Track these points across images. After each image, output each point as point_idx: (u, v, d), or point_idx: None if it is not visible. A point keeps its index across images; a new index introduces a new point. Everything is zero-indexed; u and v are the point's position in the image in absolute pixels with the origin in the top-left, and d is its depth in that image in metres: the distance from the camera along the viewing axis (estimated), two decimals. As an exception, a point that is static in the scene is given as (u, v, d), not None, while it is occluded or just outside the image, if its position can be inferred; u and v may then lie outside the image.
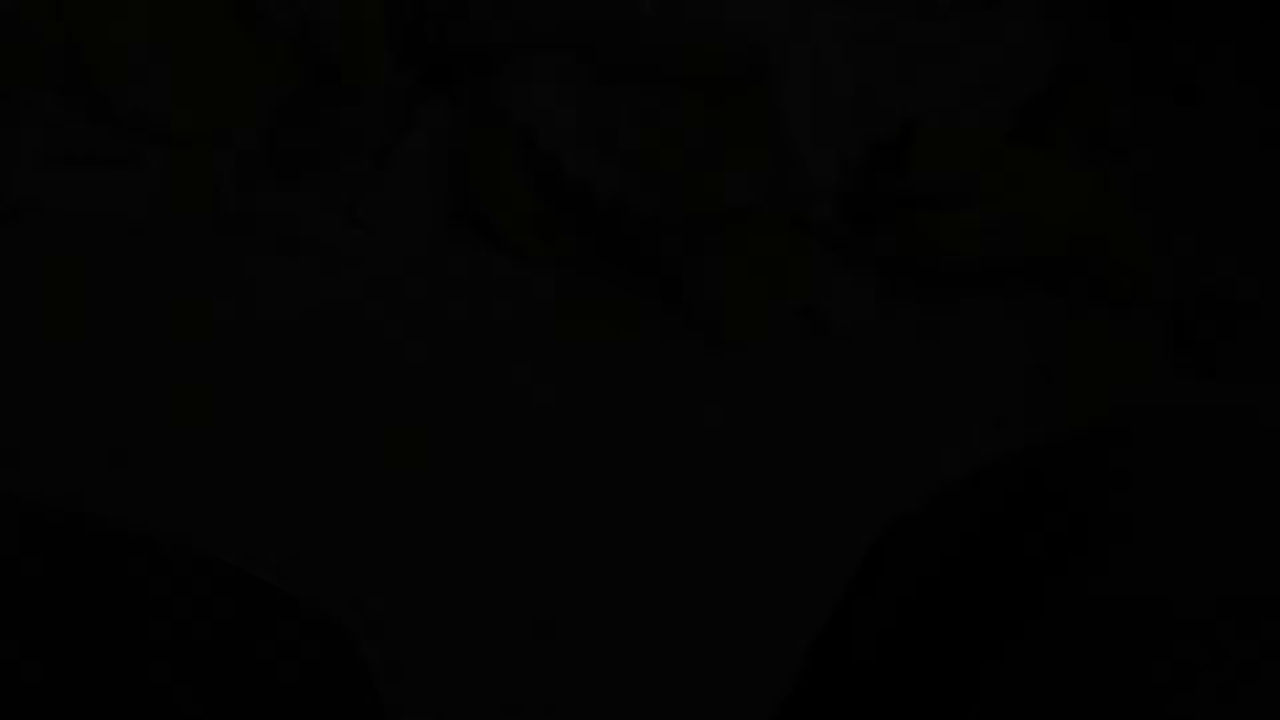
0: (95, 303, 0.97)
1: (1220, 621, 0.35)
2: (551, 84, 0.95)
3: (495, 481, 0.92)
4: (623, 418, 0.94)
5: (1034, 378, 0.98)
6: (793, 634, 0.87)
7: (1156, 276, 0.99)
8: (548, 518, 0.91)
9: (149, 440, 0.93)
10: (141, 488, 0.92)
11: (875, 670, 0.46)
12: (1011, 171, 0.96)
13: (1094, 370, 0.98)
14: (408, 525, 0.91)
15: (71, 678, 0.40)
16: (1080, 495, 0.39)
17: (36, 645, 0.39)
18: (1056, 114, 1.02)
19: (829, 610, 0.52)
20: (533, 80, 0.94)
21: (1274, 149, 1.06)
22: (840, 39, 0.90)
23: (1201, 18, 1.10)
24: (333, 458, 0.93)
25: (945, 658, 0.42)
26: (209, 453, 0.92)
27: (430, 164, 0.99)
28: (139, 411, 0.93)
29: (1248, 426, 0.39)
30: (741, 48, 0.88)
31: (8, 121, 1.03)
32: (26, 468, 0.91)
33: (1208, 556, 0.36)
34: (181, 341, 0.96)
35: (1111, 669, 0.35)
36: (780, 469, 0.93)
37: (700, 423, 0.95)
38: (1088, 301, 1.00)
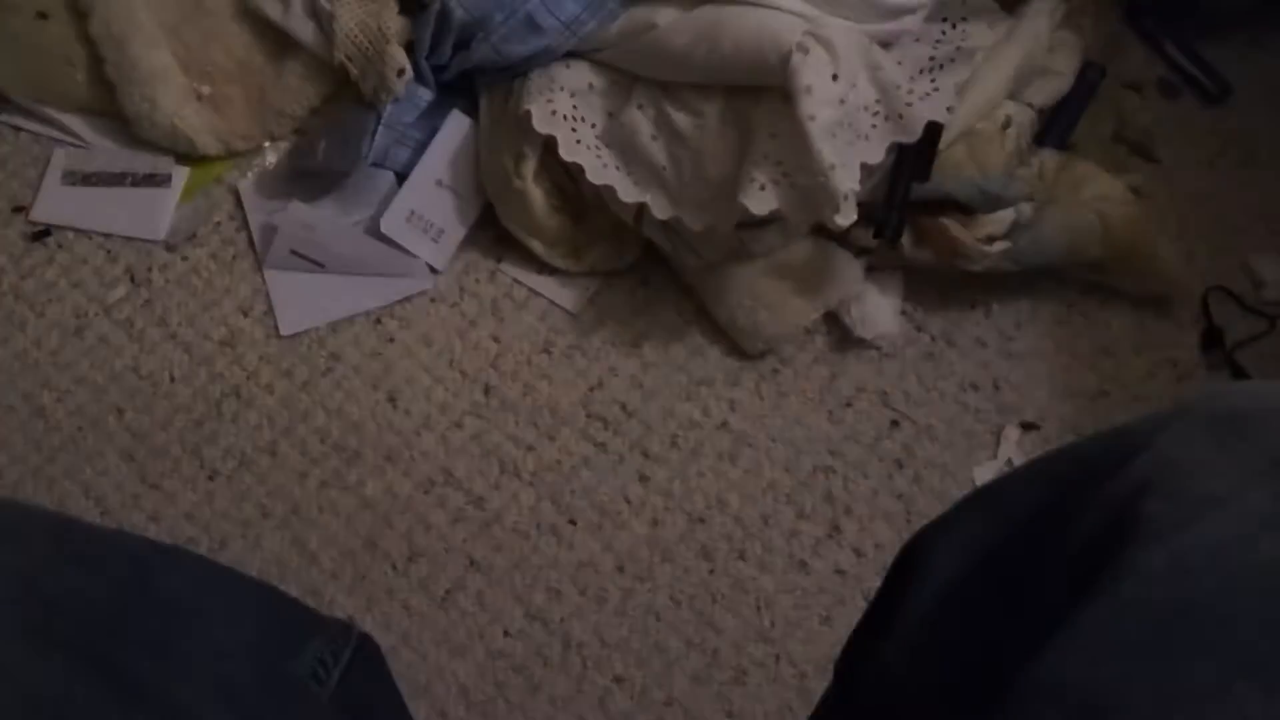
0: (122, 320, 0.98)
1: (1253, 624, 0.34)
2: (571, 94, 0.95)
3: (510, 496, 0.92)
4: (648, 425, 0.94)
5: (1063, 381, 0.97)
6: (823, 647, 0.87)
7: (1186, 278, 0.98)
8: (572, 528, 0.91)
9: (177, 455, 0.93)
10: (167, 503, 0.92)
11: (906, 673, 0.45)
12: (1038, 174, 0.95)
13: (1124, 373, 0.97)
14: (435, 532, 0.91)
15: (100, 693, 0.40)
16: (1113, 499, 0.38)
17: (66, 659, 0.40)
18: (1082, 115, 1.02)
19: (857, 618, 0.52)
20: (553, 91, 0.94)
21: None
22: (861, 44, 0.90)
23: (1227, 17, 1.09)
24: (351, 467, 0.93)
25: (978, 658, 0.41)
26: (236, 466, 0.93)
27: (453, 176, 0.99)
28: (163, 427, 0.94)
29: (1276, 428, 0.38)
30: (762, 56, 0.87)
31: (37, 142, 1.04)
32: (54, 483, 0.92)
33: (1239, 559, 0.36)
34: (208, 356, 0.96)
35: (1150, 671, 0.35)
36: (806, 476, 0.93)
37: (727, 431, 0.94)
38: (1117, 304, 0.99)
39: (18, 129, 1.04)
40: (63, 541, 0.43)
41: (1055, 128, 1.00)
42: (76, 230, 1.01)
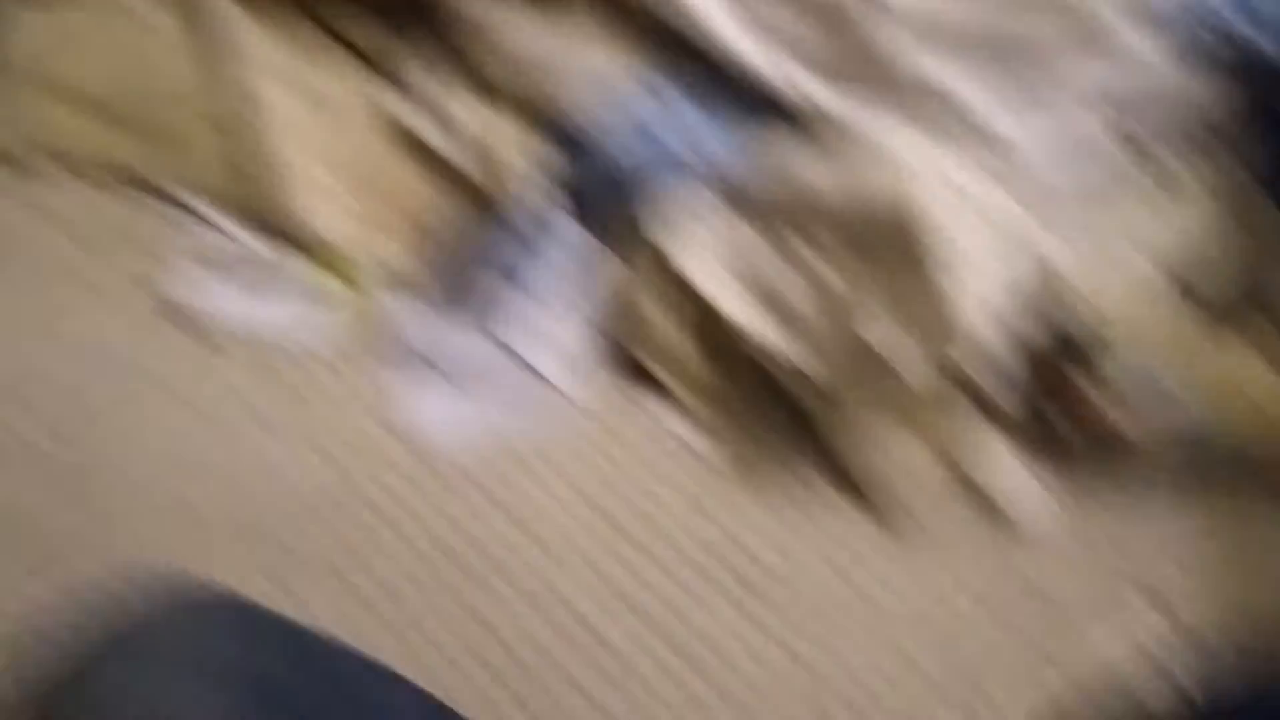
0: (242, 422, 0.96)
1: None
2: (711, 233, 0.95)
3: (634, 639, 0.90)
4: (778, 578, 0.92)
5: (1221, 583, 0.93)
6: None
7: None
8: (690, 673, 0.88)
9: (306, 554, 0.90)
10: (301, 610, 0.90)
11: None
12: (1203, 356, 0.94)
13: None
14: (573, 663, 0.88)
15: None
16: None
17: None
18: (1238, 294, 1.00)
19: None
20: (692, 230, 0.95)
21: None
22: (1018, 219, 0.90)
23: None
24: (476, 598, 0.90)
25: None
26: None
27: (585, 300, 0.99)
28: (292, 522, 0.92)
29: None
30: (911, 221, 0.87)
31: (162, 221, 1.04)
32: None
33: None
34: (334, 458, 0.95)
35: None
36: (945, 656, 0.90)
37: (859, 594, 0.92)
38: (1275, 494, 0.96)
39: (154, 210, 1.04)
40: (302, 649, 0.45)
41: (1211, 306, 0.98)
42: (199, 315, 1.00)
